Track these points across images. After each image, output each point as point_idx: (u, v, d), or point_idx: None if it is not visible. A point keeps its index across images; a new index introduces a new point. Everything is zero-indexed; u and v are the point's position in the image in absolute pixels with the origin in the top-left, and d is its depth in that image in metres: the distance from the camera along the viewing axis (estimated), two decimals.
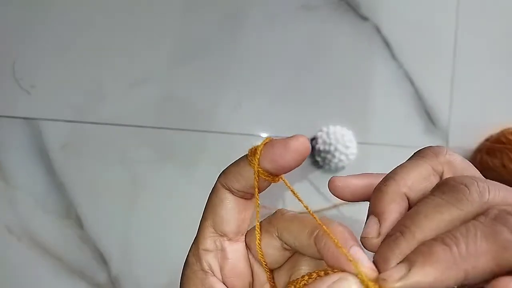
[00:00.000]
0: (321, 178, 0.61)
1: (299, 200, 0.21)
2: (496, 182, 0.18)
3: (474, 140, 0.62)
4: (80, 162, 0.60)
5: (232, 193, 0.21)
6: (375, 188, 0.20)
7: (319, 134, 0.59)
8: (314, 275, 0.18)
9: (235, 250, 0.21)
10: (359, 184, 0.22)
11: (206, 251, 0.21)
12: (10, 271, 0.59)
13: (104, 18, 0.62)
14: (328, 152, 0.58)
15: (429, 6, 0.63)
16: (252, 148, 0.21)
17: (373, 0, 0.62)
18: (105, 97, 0.61)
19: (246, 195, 0.21)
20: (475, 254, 0.15)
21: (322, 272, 0.18)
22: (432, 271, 0.15)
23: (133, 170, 0.60)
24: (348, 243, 0.17)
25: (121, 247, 0.60)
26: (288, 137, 0.20)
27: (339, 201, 0.60)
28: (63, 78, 0.61)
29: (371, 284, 0.16)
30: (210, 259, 0.21)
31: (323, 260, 0.18)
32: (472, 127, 0.63)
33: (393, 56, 0.62)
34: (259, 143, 0.20)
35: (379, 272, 0.17)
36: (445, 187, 0.17)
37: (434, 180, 0.19)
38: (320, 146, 0.58)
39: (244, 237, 0.22)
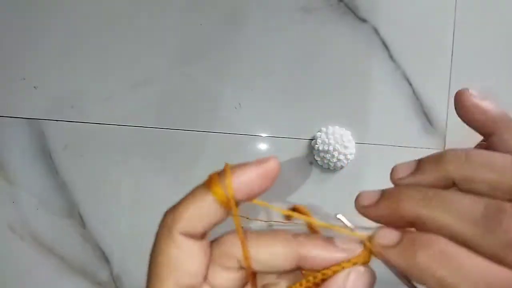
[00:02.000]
0: (320, 178, 0.61)
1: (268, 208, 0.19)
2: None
3: (472, 140, 0.63)
4: (82, 162, 0.61)
5: (195, 239, 0.18)
6: (445, 151, 0.19)
7: (318, 134, 0.60)
8: (311, 279, 0.18)
9: None
10: (487, 116, 0.20)
11: None
12: (13, 270, 0.60)
13: (106, 19, 0.62)
14: (327, 152, 0.58)
15: (427, 8, 0.63)
16: (213, 178, 0.18)
17: (372, 2, 0.63)
18: (107, 97, 0.61)
19: (206, 234, 0.18)
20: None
21: (330, 271, 0.18)
22: (410, 264, 0.16)
23: (135, 170, 0.61)
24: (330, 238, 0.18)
25: (123, 246, 0.60)
26: (260, 162, 0.18)
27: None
28: (65, 78, 0.62)
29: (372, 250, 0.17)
30: None
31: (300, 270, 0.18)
32: (469, 128, 0.63)
33: (391, 57, 0.62)
34: (221, 172, 0.18)
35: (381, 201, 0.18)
36: (496, 214, 0.15)
37: None
38: (319, 146, 0.59)
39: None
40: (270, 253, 0.18)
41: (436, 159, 0.18)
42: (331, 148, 0.58)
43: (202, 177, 0.64)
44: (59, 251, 0.60)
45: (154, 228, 0.61)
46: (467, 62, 0.63)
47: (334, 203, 0.61)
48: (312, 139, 0.61)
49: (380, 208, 0.17)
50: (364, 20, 0.63)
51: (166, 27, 0.62)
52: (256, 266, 0.18)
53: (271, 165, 0.18)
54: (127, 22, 0.62)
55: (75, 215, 0.60)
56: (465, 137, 0.63)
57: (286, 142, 0.61)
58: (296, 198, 0.60)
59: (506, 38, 0.64)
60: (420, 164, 0.18)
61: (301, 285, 0.18)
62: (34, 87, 0.61)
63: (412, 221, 0.16)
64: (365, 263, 0.18)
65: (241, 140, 0.61)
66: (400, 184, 0.18)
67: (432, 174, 0.18)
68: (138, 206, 0.60)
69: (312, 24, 0.62)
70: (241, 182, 0.17)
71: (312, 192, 0.61)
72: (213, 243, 0.19)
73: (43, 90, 0.61)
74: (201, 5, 0.63)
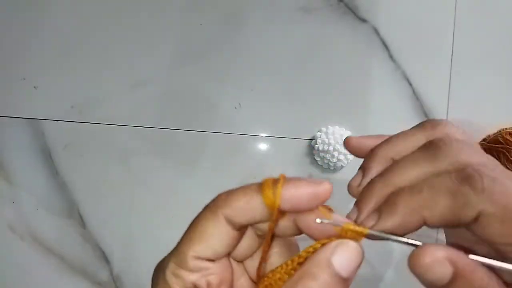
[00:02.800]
0: (320, 178, 0.61)
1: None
2: (481, 150, 0.19)
3: None
4: (82, 162, 0.61)
5: (233, 227, 0.19)
6: (370, 149, 0.22)
7: (318, 134, 0.60)
8: (311, 249, 0.18)
9: (220, 265, 0.20)
10: (370, 144, 0.23)
11: (190, 272, 0.19)
12: (13, 269, 0.60)
13: (106, 20, 0.62)
14: (327, 152, 0.58)
15: (427, 8, 0.63)
16: (266, 182, 0.19)
17: (372, 2, 0.63)
18: (107, 97, 0.62)
19: (245, 228, 0.20)
20: (435, 205, 0.17)
21: (311, 248, 0.18)
22: (396, 218, 0.18)
23: (135, 170, 0.61)
24: (329, 211, 0.19)
25: (123, 245, 0.60)
26: (313, 182, 0.19)
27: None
28: (65, 78, 0.62)
29: (355, 232, 0.18)
30: (194, 279, 0.19)
31: (303, 234, 0.20)
32: (469, 128, 0.63)
33: (391, 57, 0.62)
34: (276, 180, 0.19)
35: (358, 209, 0.20)
36: (427, 144, 0.20)
37: None
38: (319, 146, 0.59)
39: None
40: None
41: (370, 156, 0.22)
42: (331, 148, 0.58)
43: (203, 177, 0.64)
44: (59, 251, 0.60)
45: (154, 228, 0.61)
46: (467, 62, 0.63)
47: (334, 203, 0.61)
48: (312, 139, 0.61)
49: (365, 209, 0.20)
50: (364, 20, 0.63)
51: (166, 27, 0.62)
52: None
53: (323, 188, 0.19)
54: (127, 22, 0.62)
55: (75, 215, 0.60)
56: None
57: (286, 142, 0.61)
58: None
59: (506, 38, 0.64)
60: (363, 167, 0.22)
61: (293, 261, 0.18)
62: (34, 87, 0.61)
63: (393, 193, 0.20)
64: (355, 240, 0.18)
65: (241, 140, 0.61)
66: (360, 190, 0.21)
67: (375, 166, 0.21)
68: (138, 206, 0.60)
69: (312, 24, 0.62)
70: (290, 194, 0.18)
71: None
72: None
73: (43, 90, 0.61)
74: (201, 5, 0.63)
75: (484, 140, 0.63)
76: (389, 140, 0.22)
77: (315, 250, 0.18)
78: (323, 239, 0.18)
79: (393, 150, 0.21)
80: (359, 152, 0.24)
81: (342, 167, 0.60)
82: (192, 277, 0.19)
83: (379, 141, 0.23)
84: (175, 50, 0.62)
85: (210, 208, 0.19)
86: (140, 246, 0.60)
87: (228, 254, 0.21)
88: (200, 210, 0.20)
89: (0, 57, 0.62)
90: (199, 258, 0.19)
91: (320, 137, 0.59)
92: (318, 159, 0.60)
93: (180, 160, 0.61)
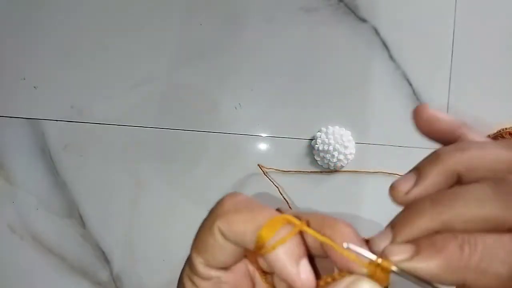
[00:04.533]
0: (319, 178, 0.61)
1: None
2: None
3: None
4: (82, 162, 0.61)
5: (228, 241, 0.18)
6: (436, 150, 0.18)
7: (318, 134, 0.60)
8: (329, 279, 0.17)
9: (233, 274, 0.19)
10: (447, 123, 0.19)
11: (202, 279, 0.19)
12: (13, 270, 0.60)
13: (106, 20, 0.62)
14: (327, 152, 0.58)
15: (427, 8, 0.63)
16: (271, 221, 0.17)
17: (372, 2, 0.63)
18: (107, 97, 0.62)
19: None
20: (485, 271, 0.15)
21: (330, 278, 0.17)
22: (434, 266, 0.15)
23: (135, 170, 0.61)
24: (353, 242, 0.17)
25: (123, 245, 0.60)
26: (294, 276, 0.17)
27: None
28: (65, 78, 0.62)
29: (377, 273, 0.16)
30: (207, 286, 0.19)
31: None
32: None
33: (391, 57, 0.62)
34: (277, 221, 0.17)
35: (394, 234, 0.17)
36: (506, 186, 0.16)
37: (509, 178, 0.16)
38: (319, 146, 0.59)
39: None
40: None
41: (433, 160, 0.17)
42: (331, 148, 0.58)
43: (203, 177, 0.64)
44: (59, 251, 0.60)
45: (154, 228, 0.61)
46: (467, 62, 0.63)
47: (334, 203, 0.61)
48: (312, 139, 0.61)
49: (403, 244, 0.17)
50: (364, 20, 0.63)
51: (166, 28, 0.62)
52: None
53: (302, 280, 0.17)
54: (127, 22, 0.63)
55: (75, 215, 0.60)
56: None
57: (286, 142, 0.61)
58: (296, 198, 0.60)
59: (506, 38, 0.64)
60: (419, 171, 0.18)
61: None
62: (34, 87, 0.61)
63: (440, 230, 0.16)
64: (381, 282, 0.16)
65: (241, 140, 0.61)
66: (407, 200, 0.17)
67: (436, 176, 0.17)
68: (138, 206, 0.60)
69: (311, 24, 0.62)
70: (290, 252, 0.17)
71: (312, 192, 0.61)
72: None
73: (43, 90, 0.62)
74: (201, 5, 0.63)
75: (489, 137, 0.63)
76: (463, 146, 0.17)
77: (332, 281, 0.17)
78: (345, 271, 0.17)
79: (465, 163, 0.17)
80: (429, 129, 0.20)
81: (342, 167, 0.60)
82: (204, 285, 0.19)
83: (452, 124, 0.19)
84: (175, 51, 0.62)
85: (212, 219, 0.18)
86: (140, 246, 0.60)
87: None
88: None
89: (0, 57, 0.62)
90: (208, 265, 0.19)
91: (320, 137, 0.59)
92: (318, 159, 0.60)
93: (180, 160, 0.61)
